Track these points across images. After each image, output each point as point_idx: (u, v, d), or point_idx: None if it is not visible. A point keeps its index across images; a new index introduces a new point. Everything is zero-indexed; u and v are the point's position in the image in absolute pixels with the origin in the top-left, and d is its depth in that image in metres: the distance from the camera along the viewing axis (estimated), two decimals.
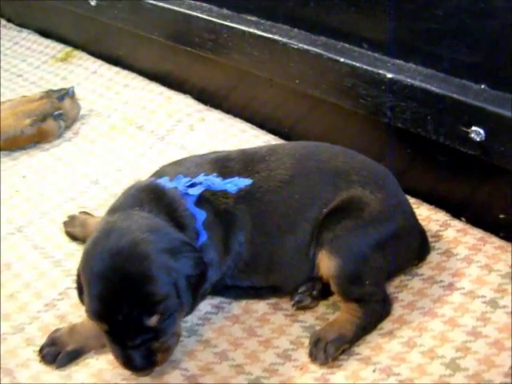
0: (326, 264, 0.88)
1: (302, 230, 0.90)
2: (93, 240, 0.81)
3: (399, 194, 0.95)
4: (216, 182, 0.88)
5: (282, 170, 0.91)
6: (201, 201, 0.88)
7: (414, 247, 0.95)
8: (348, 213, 0.89)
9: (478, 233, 1.01)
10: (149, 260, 0.78)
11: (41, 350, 0.89)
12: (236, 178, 0.88)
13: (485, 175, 1.01)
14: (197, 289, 0.83)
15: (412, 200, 1.08)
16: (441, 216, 1.06)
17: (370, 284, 0.88)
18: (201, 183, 0.88)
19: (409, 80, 0.94)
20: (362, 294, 0.88)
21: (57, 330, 0.91)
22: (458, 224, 1.03)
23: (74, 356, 0.89)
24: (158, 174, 0.94)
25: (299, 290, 0.92)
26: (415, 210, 1.05)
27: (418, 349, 0.84)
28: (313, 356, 0.85)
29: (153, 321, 0.77)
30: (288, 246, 0.90)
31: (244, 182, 0.88)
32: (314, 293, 0.93)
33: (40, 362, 0.89)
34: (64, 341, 0.89)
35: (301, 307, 0.93)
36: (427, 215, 1.06)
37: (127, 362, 0.79)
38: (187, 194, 0.87)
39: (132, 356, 0.78)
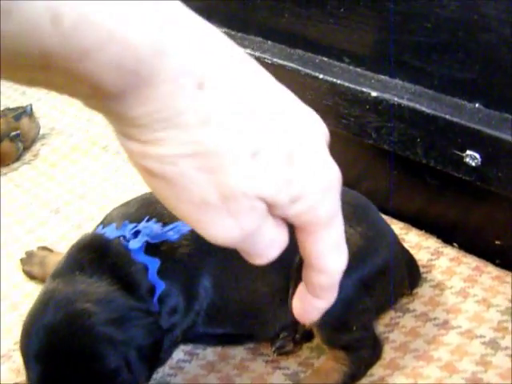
0: None
1: (276, 271, 0.80)
2: (29, 314, 0.72)
3: (381, 224, 0.87)
4: (154, 229, 0.76)
5: None
6: (152, 246, 0.77)
7: (403, 277, 0.87)
8: None
9: (472, 261, 0.93)
10: (90, 335, 0.68)
11: None
12: (179, 223, 0.76)
13: (478, 199, 0.92)
14: (152, 359, 0.73)
15: (400, 225, 1.00)
16: (432, 243, 0.97)
17: (358, 329, 0.79)
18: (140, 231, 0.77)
19: (395, 99, 0.85)
20: (349, 341, 0.79)
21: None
22: (450, 251, 0.95)
23: None
24: (107, 220, 0.82)
25: (280, 336, 0.83)
26: (403, 236, 0.98)
27: None
28: None
29: None
30: (262, 291, 0.81)
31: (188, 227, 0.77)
32: (297, 337, 0.84)
33: None
34: None
35: (283, 353, 0.84)
36: (417, 242, 0.98)
37: None
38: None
39: None
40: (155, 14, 0.40)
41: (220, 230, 0.46)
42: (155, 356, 0.74)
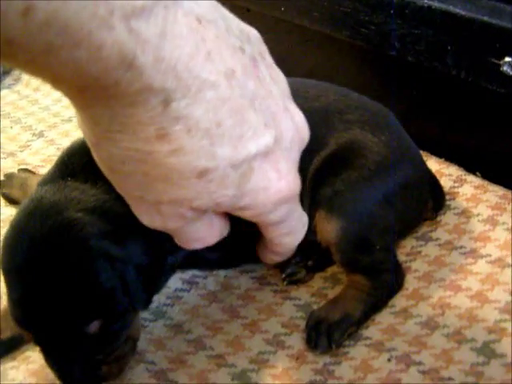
0: (326, 227, 0.71)
1: None
2: (12, 224, 0.61)
3: (405, 136, 0.79)
4: None
5: None
6: None
7: (427, 198, 0.79)
8: (348, 161, 0.72)
9: (499, 189, 0.85)
10: (84, 248, 0.58)
11: None
12: None
13: (504, 124, 0.84)
14: (152, 281, 0.64)
15: None
16: (453, 170, 0.89)
17: (381, 249, 0.71)
18: None
19: (425, 1, 0.76)
20: (371, 263, 0.71)
21: None
22: (474, 179, 0.87)
23: (11, 346, 0.71)
24: None
25: (292, 261, 0.75)
26: None
27: (441, 331, 0.68)
28: (312, 342, 0.69)
29: (93, 327, 0.58)
30: None
31: None
32: (310, 263, 0.76)
33: None
34: None
35: (293, 281, 0.76)
36: (437, 169, 0.89)
37: (64, 378, 0.60)
38: None
39: (70, 370, 0.60)
40: (130, 35, 0.38)
41: (147, 221, 0.50)
42: (155, 279, 0.65)
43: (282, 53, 1.01)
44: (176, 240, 0.52)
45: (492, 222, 0.80)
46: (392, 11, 0.79)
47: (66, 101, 1.11)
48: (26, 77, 1.22)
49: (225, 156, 0.45)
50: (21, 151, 1.02)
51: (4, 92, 1.18)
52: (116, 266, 0.59)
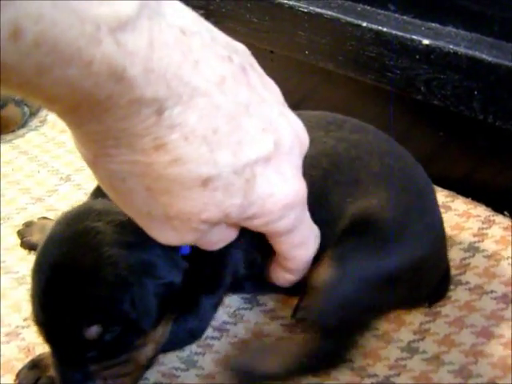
0: (323, 269, 0.66)
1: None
2: (48, 231, 0.67)
3: (436, 211, 0.76)
4: None
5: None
6: None
7: (432, 283, 0.75)
8: (369, 227, 0.68)
9: None
10: (93, 254, 0.61)
11: (18, 374, 0.72)
12: None
13: None
14: (164, 301, 0.65)
15: (444, 192, 0.92)
16: (481, 211, 0.88)
17: (353, 322, 0.70)
18: None
19: (451, 46, 0.76)
20: (339, 325, 0.68)
21: (41, 354, 0.74)
22: (503, 220, 0.86)
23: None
24: None
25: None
26: (450, 204, 0.90)
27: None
28: None
29: (92, 332, 0.60)
30: None
31: None
32: None
33: None
34: (48, 364, 0.71)
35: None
36: (465, 210, 0.89)
37: (60, 381, 0.63)
38: None
39: (68, 377, 0.62)
40: (119, 48, 0.38)
41: (162, 238, 0.50)
42: (168, 300, 0.65)
43: (306, 93, 1.02)
44: (198, 245, 0.54)
45: None
46: (418, 56, 0.79)
47: None
48: (51, 118, 1.23)
49: (226, 163, 0.45)
50: (48, 196, 1.03)
51: (31, 134, 1.19)
52: (125, 276, 0.61)
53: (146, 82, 0.39)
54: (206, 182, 0.44)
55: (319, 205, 0.65)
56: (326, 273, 0.66)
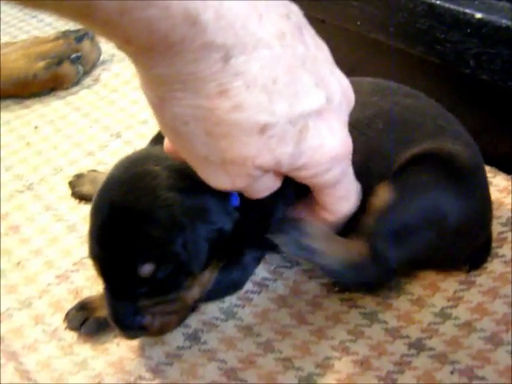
0: (383, 194, 0.67)
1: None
2: (106, 174, 0.69)
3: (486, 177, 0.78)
4: None
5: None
6: None
7: (472, 247, 0.76)
8: (434, 165, 0.69)
9: None
10: (149, 196, 0.63)
11: (67, 315, 0.76)
12: None
13: None
14: (214, 247, 0.67)
15: (486, 167, 0.92)
16: None
17: (404, 249, 0.70)
18: None
19: (503, 21, 0.77)
20: (381, 249, 0.69)
21: (88, 297, 0.78)
22: None
23: (104, 324, 0.75)
24: None
25: None
26: (491, 180, 0.90)
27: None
28: None
29: (145, 269, 0.63)
30: None
31: None
32: None
33: (65, 328, 0.76)
34: (95, 306, 0.76)
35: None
36: (505, 186, 0.90)
37: (112, 315, 0.66)
38: None
39: (119, 310, 0.65)
40: None
41: (215, 182, 0.53)
42: (217, 247, 0.68)
43: (354, 64, 1.04)
44: (244, 194, 0.57)
45: None
46: (469, 30, 0.80)
47: (142, 103, 1.16)
48: (104, 78, 1.27)
49: (282, 112, 0.47)
50: (99, 150, 1.07)
51: (84, 92, 1.23)
52: (178, 219, 0.63)
53: (216, 28, 0.42)
54: (263, 129, 0.47)
55: (374, 160, 0.68)
56: (386, 195, 0.67)
